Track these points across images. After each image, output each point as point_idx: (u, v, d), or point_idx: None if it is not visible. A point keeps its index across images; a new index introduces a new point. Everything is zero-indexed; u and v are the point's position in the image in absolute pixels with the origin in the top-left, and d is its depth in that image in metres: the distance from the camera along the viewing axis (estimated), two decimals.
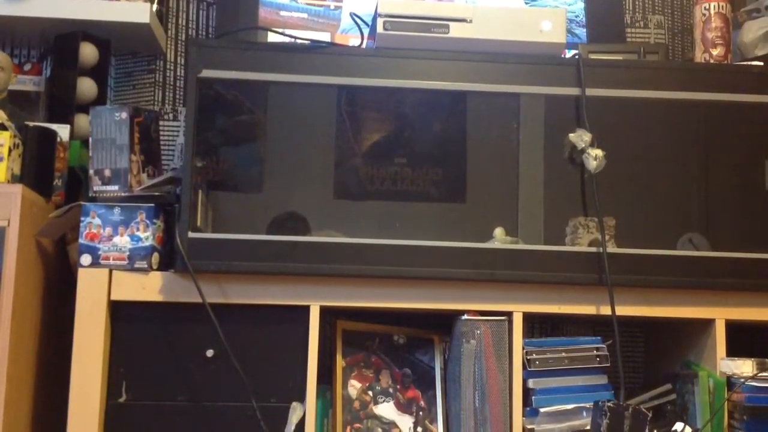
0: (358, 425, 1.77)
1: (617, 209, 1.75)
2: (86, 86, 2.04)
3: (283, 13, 2.12)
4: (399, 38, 1.74)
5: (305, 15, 2.13)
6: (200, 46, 1.73)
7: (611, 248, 1.72)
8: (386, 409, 1.80)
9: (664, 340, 2.03)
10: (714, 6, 1.93)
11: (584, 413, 1.70)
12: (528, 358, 1.71)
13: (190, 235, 1.65)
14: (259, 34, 2.00)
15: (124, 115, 1.77)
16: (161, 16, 2.19)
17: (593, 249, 1.72)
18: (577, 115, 1.75)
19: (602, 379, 1.76)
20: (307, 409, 1.66)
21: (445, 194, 1.76)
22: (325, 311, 1.73)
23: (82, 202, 1.71)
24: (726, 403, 1.68)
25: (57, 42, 2.05)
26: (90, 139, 1.79)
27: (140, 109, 1.86)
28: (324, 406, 1.76)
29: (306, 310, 1.69)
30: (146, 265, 1.68)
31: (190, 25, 2.26)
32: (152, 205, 1.70)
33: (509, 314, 1.72)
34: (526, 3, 2.19)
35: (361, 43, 1.81)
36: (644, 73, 1.78)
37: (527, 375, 1.71)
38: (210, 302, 1.65)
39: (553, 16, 1.77)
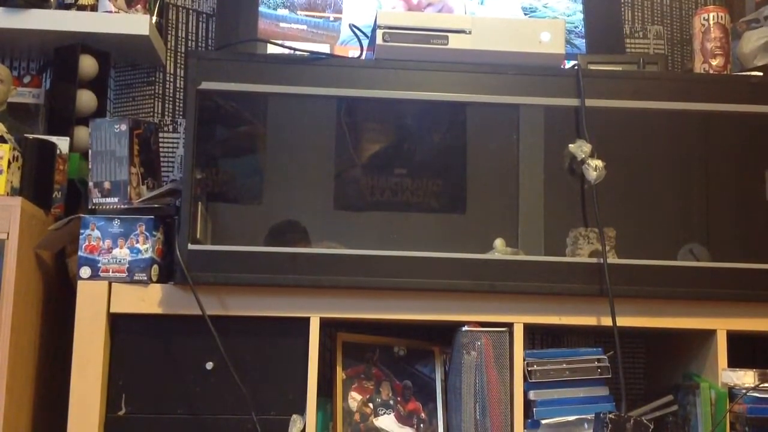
0: None
1: (618, 220, 1.75)
2: (86, 98, 2.04)
3: (282, 25, 2.12)
4: (398, 50, 1.74)
5: (305, 27, 2.13)
6: (200, 58, 1.73)
7: (612, 259, 1.72)
8: (387, 422, 1.79)
9: (665, 351, 2.02)
10: (713, 16, 1.93)
11: (586, 425, 1.70)
12: (529, 369, 1.70)
13: (190, 247, 1.65)
14: (259, 46, 1.99)
15: (124, 127, 1.77)
16: (160, 28, 2.19)
17: (594, 260, 1.71)
18: (577, 125, 1.75)
19: (603, 391, 1.75)
20: (307, 422, 1.66)
21: (445, 205, 1.76)
22: (325, 323, 1.72)
23: (82, 215, 1.71)
24: (728, 414, 1.68)
25: (56, 54, 2.05)
26: (89, 152, 1.79)
27: (140, 121, 1.86)
28: (324, 418, 1.75)
29: (306, 322, 1.68)
30: (146, 278, 1.68)
31: (189, 37, 2.26)
32: (152, 217, 1.70)
33: (510, 325, 1.72)
34: (526, 14, 2.19)
35: (361, 54, 1.81)
36: (644, 84, 1.78)
37: (528, 386, 1.71)
38: (210, 314, 1.64)
39: (552, 27, 1.77)
